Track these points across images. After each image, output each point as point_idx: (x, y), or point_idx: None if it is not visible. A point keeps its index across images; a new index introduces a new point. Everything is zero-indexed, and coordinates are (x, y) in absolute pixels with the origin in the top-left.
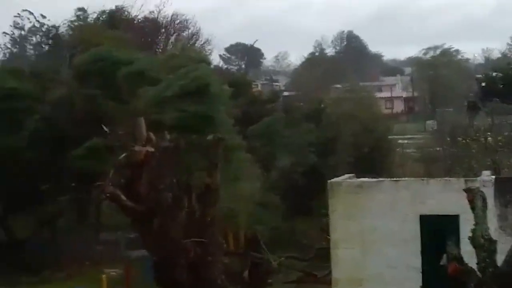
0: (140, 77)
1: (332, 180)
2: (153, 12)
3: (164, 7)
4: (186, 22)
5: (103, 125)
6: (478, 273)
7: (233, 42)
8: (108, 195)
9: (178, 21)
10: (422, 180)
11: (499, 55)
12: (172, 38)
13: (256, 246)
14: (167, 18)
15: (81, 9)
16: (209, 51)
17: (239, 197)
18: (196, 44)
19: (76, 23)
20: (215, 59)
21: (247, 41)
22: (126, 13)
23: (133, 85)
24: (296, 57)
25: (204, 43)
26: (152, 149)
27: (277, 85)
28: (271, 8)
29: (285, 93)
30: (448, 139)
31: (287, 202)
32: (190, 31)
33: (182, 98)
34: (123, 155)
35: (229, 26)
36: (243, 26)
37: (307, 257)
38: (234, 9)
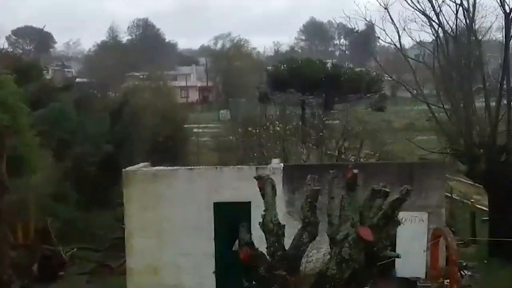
0: None
1: (127, 169)
2: None
3: None
4: None
5: None
6: (268, 257)
7: (21, 25)
8: None
9: None
10: (216, 168)
11: (288, 49)
12: None
13: (47, 238)
14: None
15: None
16: None
17: (29, 187)
18: None
19: None
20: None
21: (39, 25)
22: None
23: None
24: (89, 44)
25: None
26: None
27: (69, 71)
28: None
29: (78, 80)
30: (240, 129)
31: (82, 192)
32: None
33: None
34: None
35: (24, 12)
36: (37, 12)
37: (101, 248)
38: None
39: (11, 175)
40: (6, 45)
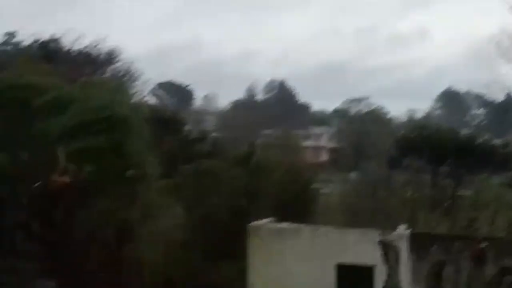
0: (54, 106)
1: (253, 223)
2: (87, 46)
3: (99, 43)
4: (119, 59)
5: (19, 153)
6: None
7: (161, 80)
8: (21, 223)
9: (112, 57)
10: (340, 229)
11: (422, 115)
12: (103, 72)
13: (174, 286)
14: (101, 54)
15: (10, 34)
16: (139, 90)
17: (158, 235)
18: (129, 80)
19: (4, 48)
20: (147, 96)
21: (177, 80)
22: (60, 44)
23: (48, 113)
24: (226, 100)
25: (135, 80)
26: (69, 180)
27: (205, 125)
28: (219, 54)
29: (214, 134)
30: (368, 192)
31: (209, 243)
32: (122, 67)
33: (87, 127)
34: (38, 183)
35: (171, 67)
36: (183, 67)
37: None
38: (184, 52)
39: (141, 221)
40: (151, 98)
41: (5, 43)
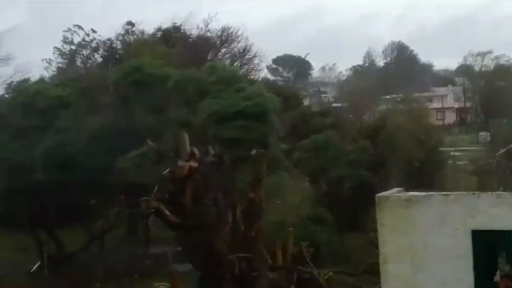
0: (187, 88)
1: (380, 194)
2: (200, 27)
3: (211, 21)
4: (235, 36)
5: (148, 139)
6: None
7: (280, 53)
8: (152, 210)
9: (226, 34)
10: (473, 193)
11: None
12: (221, 53)
13: (303, 261)
14: (216, 33)
15: (130, 23)
16: (257, 65)
17: (286, 210)
18: (245, 57)
19: (127, 38)
20: (263, 71)
21: (297, 52)
22: (181, 30)
23: (179, 98)
24: (344, 68)
25: (252, 57)
26: (196, 164)
27: (325, 97)
28: (338, 21)
29: (334, 105)
30: (502, 150)
31: (336, 216)
32: (239, 45)
33: (242, 117)
34: (167, 170)
35: (284, 39)
36: (302, 39)
37: (356, 272)
38: (298, 22)
39: (268, 198)
40: (267, 74)
41: (127, 32)
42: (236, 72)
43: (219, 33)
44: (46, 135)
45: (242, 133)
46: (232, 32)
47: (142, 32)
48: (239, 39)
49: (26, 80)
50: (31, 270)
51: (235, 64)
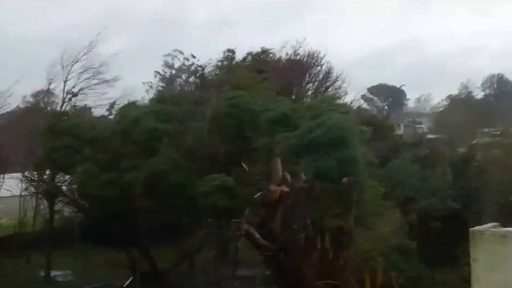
0: (280, 123)
1: (475, 228)
2: (289, 53)
3: (300, 47)
4: (319, 60)
5: (242, 163)
6: None
7: (375, 83)
8: (243, 232)
9: (311, 60)
10: None
11: None
12: (308, 77)
13: None
14: (303, 57)
15: (231, 51)
16: (344, 92)
17: (375, 240)
18: (333, 85)
19: (223, 63)
20: (356, 99)
21: (391, 82)
22: (270, 55)
23: (273, 129)
24: (440, 99)
25: (337, 81)
26: (287, 189)
27: (420, 127)
28: (437, 53)
29: (429, 136)
30: None
31: (425, 248)
32: (322, 68)
33: (319, 146)
34: (259, 193)
35: (380, 69)
36: (400, 69)
37: None
38: (394, 53)
39: (358, 226)
40: (362, 102)
41: (226, 58)
42: (332, 101)
43: (306, 58)
44: (141, 162)
45: (320, 165)
46: (318, 56)
47: (233, 57)
48: (323, 63)
49: (130, 104)
50: (124, 285)
51: (320, 89)
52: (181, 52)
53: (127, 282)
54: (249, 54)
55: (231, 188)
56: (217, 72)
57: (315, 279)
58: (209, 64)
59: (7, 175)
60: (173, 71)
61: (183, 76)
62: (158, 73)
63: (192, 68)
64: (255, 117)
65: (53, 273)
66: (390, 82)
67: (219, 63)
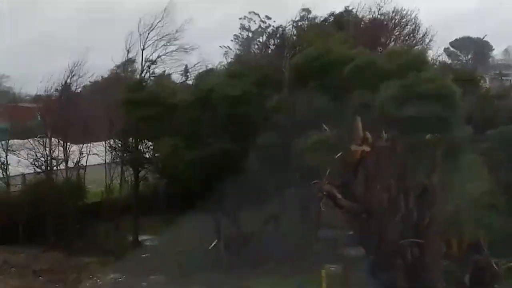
0: (368, 72)
1: None
2: (373, 10)
3: (384, 4)
4: (406, 18)
5: (323, 124)
6: None
7: (458, 35)
8: (325, 193)
9: (398, 17)
10: None
11: None
12: (394, 36)
13: (479, 249)
14: (387, 15)
15: (306, 10)
16: (430, 46)
17: (464, 199)
18: (416, 38)
19: (301, 24)
20: (439, 53)
21: (476, 34)
22: (353, 14)
23: (362, 79)
24: None
25: (423, 36)
26: (368, 149)
27: (507, 79)
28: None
29: None
30: None
31: None
32: (410, 27)
33: (424, 99)
34: (339, 154)
35: (460, 18)
36: (474, 18)
37: None
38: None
39: (445, 185)
40: (445, 57)
41: (302, 18)
42: (419, 56)
43: (391, 16)
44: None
45: (422, 115)
46: (405, 14)
47: (315, 18)
48: (412, 22)
49: (207, 71)
50: (209, 247)
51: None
52: (257, 14)
53: (212, 245)
54: (331, 14)
55: (321, 148)
56: (294, 33)
57: (399, 240)
58: (288, 24)
59: (93, 144)
60: (250, 34)
61: (260, 39)
62: (236, 36)
63: (269, 30)
64: (339, 68)
65: (141, 237)
66: (474, 35)
67: (295, 24)
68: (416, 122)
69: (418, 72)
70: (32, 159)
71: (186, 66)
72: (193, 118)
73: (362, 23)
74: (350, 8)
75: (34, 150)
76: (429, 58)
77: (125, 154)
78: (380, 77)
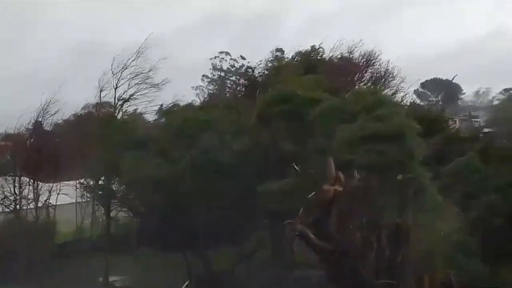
0: (332, 116)
1: None
2: (344, 54)
3: (356, 48)
4: (376, 60)
5: (294, 165)
6: None
7: (429, 77)
8: (298, 233)
9: (367, 57)
10: None
11: None
12: (363, 75)
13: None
14: (358, 58)
15: (279, 50)
16: (400, 87)
17: (434, 238)
18: (390, 82)
19: (272, 64)
20: (409, 95)
21: (447, 76)
22: (320, 54)
23: (325, 124)
24: (499, 92)
25: (392, 77)
26: (341, 188)
27: (476, 121)
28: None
29: (485, 130)
30: None
31: (488, 246)
32: (380, 69)
33: (375, 140)
34: (312, 193)
35: (427, 62)
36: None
37: None
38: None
39: (415, 224)
40: (414, 98)
41: (275, 59)
42: (382, 97)
43: (363, 57)
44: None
45: (376, 158)
46: (375, 55)
47: (283, 58)
48: (380, 62)
49: (176, 105)
50: None
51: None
52: (228, 53)
53: (184, 286)
54: (298, 53)
55: (290, 190)
56: (266, 72)
57: (373, 279)
58: (258, 65)
59: (64, 183)
60: (222, 74)
61: (233, 78)
62: (206, 76)
63: (242, 70)
64: (306, 111)
65: (111, 278)
66: (445, 76)
67: (267, 64)
68: (369, 163)
69: (372, 113)
70: (0, 198)
71: (162, 105)
72: (163, 150)
73: (329, 62)
74: (316, 47)
75: (2, 189)
76: (397, 99)
77: (95, 191)
78: (345, 120)
